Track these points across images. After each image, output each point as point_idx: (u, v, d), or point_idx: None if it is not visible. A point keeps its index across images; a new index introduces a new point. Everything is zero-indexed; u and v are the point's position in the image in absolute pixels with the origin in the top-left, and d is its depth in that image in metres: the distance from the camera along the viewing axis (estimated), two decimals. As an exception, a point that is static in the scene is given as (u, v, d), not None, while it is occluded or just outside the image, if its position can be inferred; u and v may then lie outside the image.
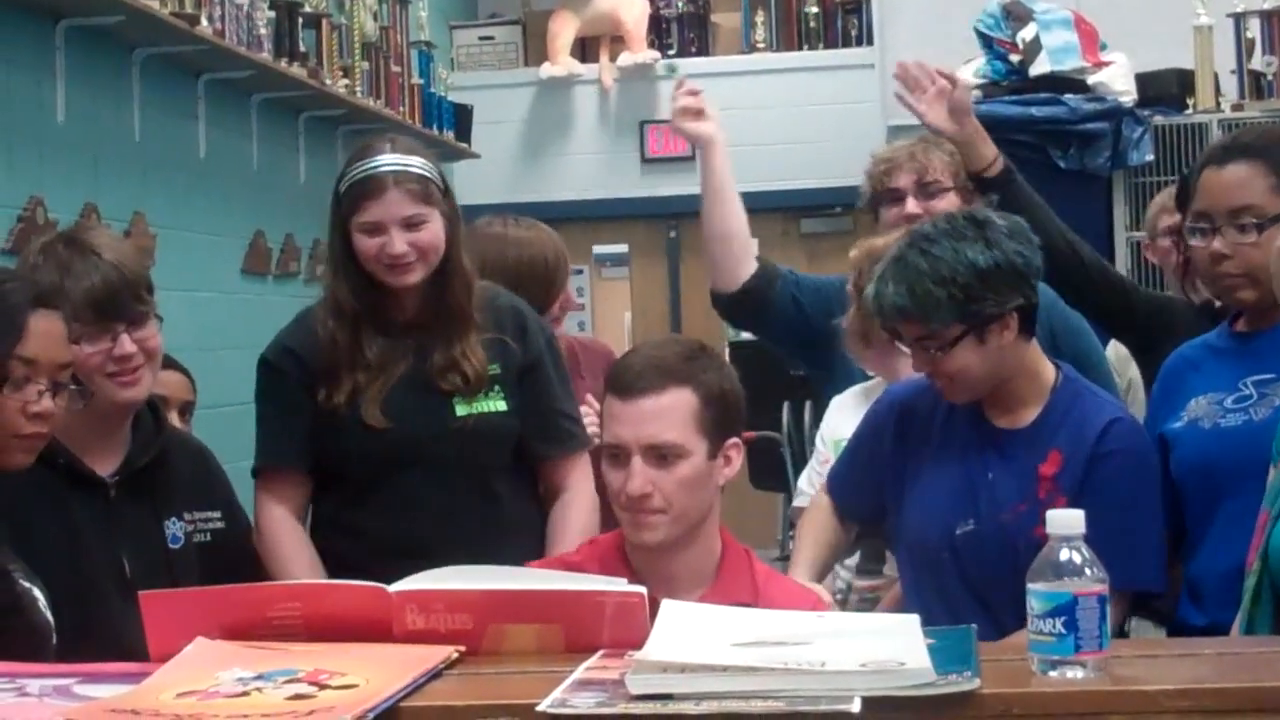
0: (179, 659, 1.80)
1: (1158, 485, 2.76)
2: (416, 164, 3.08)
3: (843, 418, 3.44)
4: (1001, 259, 2.73)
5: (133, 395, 2.74)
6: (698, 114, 3.71)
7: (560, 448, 3.20)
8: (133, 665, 1.89)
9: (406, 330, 3.11)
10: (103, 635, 2.46)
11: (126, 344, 2.70)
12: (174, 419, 3.77)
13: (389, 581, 2.02)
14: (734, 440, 2.57)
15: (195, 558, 2.82)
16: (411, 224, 3.03)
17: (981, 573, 2.74)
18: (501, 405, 3.12)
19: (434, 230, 3.06)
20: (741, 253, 3.76)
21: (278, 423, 3.13)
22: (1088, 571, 1.79)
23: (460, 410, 3.09)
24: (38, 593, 2.32)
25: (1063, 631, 1.76)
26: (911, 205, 3.69)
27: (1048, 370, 2.85)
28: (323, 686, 1.68)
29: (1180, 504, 2.77)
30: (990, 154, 3.59)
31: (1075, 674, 1.76)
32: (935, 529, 2.82)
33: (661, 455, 2.47)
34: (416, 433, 3.05)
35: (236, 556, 2.92)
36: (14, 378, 2.32)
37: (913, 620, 1.92)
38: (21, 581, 2.32)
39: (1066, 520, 1.82)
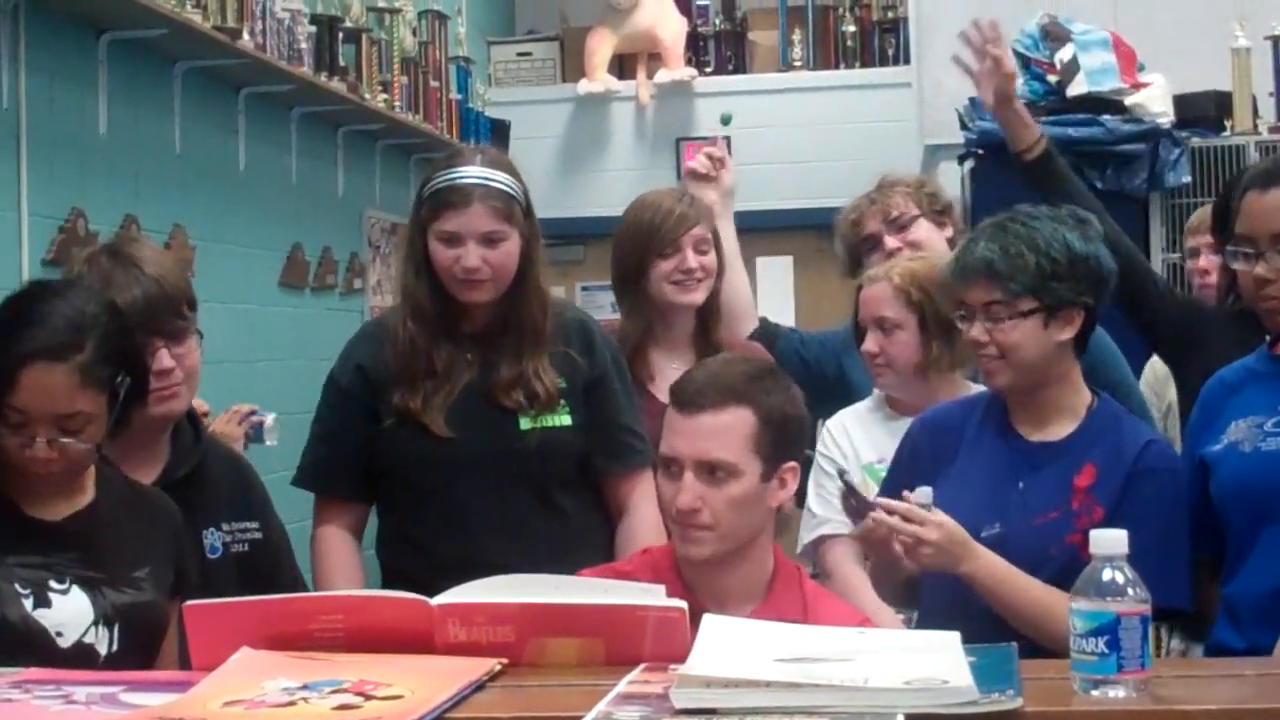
0: (225, 668, 1.81)
1: (1188, 508, 2.76)
2: (502, 180, 3.09)
3: (865, 438, 3.44)
4: (1092, 254, 2.78)
5: (168, 410, 2.74)
6: (707, 178, 3.74)
7: (624, 464, 3.20)
8: (179, 674, 1.90)
9: (475, 341, 3.12)
10: None
11: (165, 359, 2.69)
12: None
13: None
14: (791, 464, 2.56)
15: (233, 568, 2.83)
16: (490, 240, 3.04)
17: None
18: (567, 420, 3.12)
19: (510, 250, 3.06)
20: (743, 314, 3.85)
21: (334, 449, 3.14)
22: (1130, 592, 1.79)
23: (525, 424, 3.09)
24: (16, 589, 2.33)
25: (1105, 651, 1.76)
26: (890, 242, 3.77)
27: (1085, 391, 2.87)
28: (368, 697, 1.69)
29: (1220, 527, 2.77)
30: (1030, 137, 3.66)
31: (1117, 693, 1.76)
32: None
33: (713, 472, 2.48)
34: (480, 445, 3.05)
35: (273, 567, 2.94)
36: (10, 423, 2.34)
37: (954, 638, 1.92)
38: None
39: (1110, 540, 1.82)
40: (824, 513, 3.44)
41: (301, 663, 1.83)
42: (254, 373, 4.75)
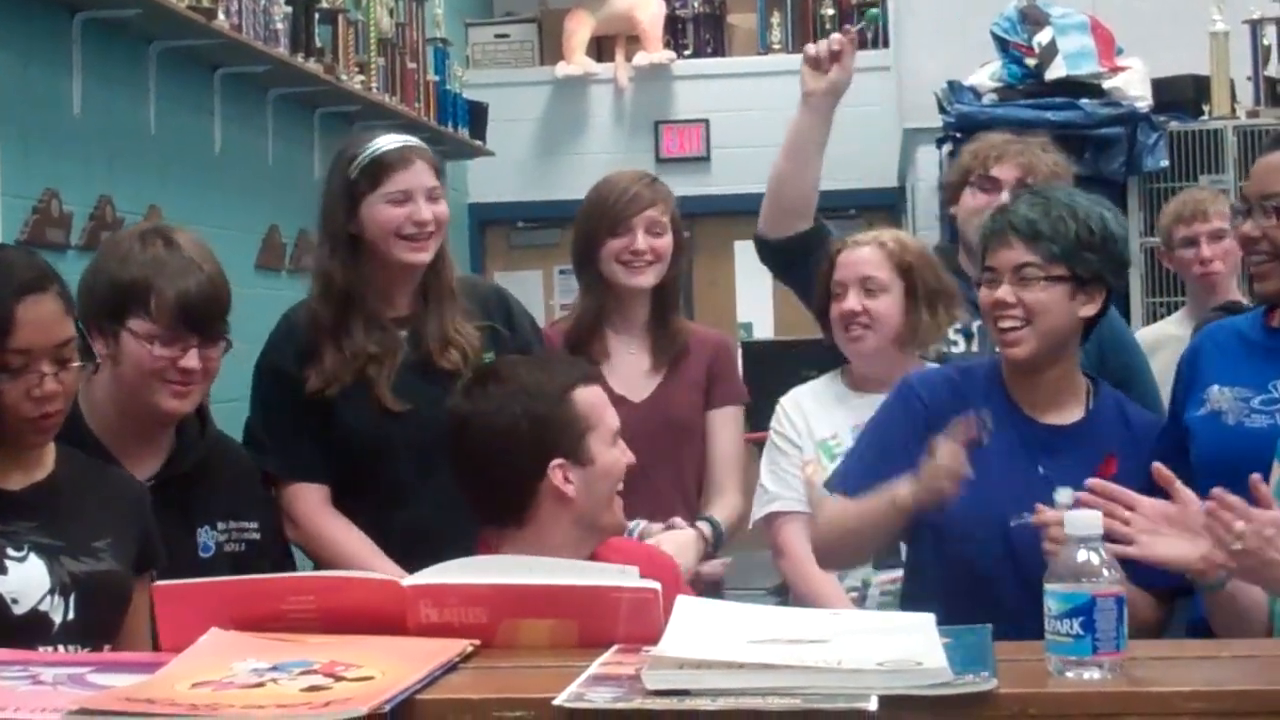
0: (194, 649, 1.80)
1: None
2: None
3: (822, 415, 3.42)
4: (1121, 237, 2.82)
5: (179, 407, 2.73)
6: (819, 65, 3.60)
7: None
8: (147, 655, 1.89)
9: (397, 323, 3.14)
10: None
11: (193, 358, 2.68)
12: None
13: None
14: None
15: (227, 568, 2.79)
16: (432, 196, 3.11)
17: (1036, 566, 2.69)
18: None
19: (445, 207, 3.15)
20: (804, 208, 3.69)
21: (299, 434, 3.12)
22: (1106, 573, 1.79)
23: None
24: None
25: (1080, 633, 1.75)
26: (1006, 198, 3.63)
27: (1082, 376, 2.89)
28: (338, 678, 1.68)
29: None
30: None
31: (1092, 675, 1.75)
32: (984, 521, 2.80)
33: None
34: (429, 416, 3.01)
35: (271, 568, 2.90)
36: (11, 368, 2.32)
37: (929, 619, 1.92)
38: None
39: (1085, 521, 1.82)
40: (776, 489, 3.45)
41: (271, 644, 1.81)
42: (231, 356, 4.72)
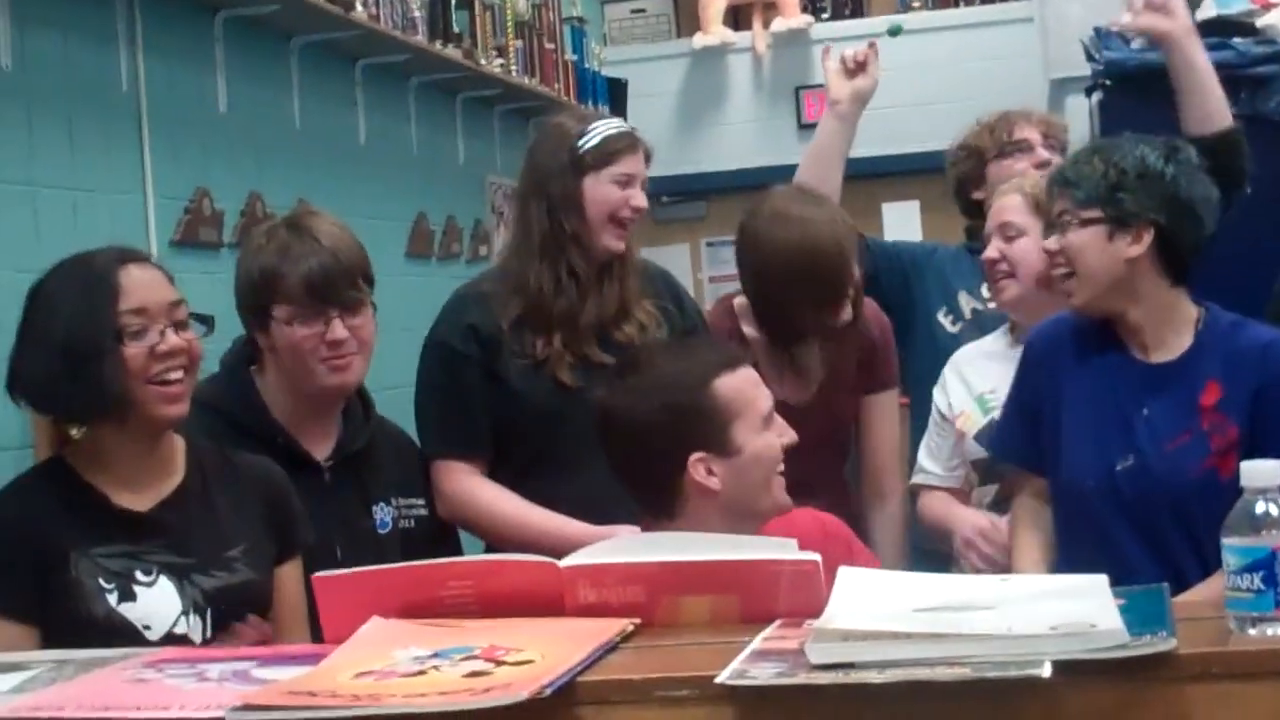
0: (355, 639, 1.79)
1: None
2: None
3: (980, 369, 3.37)
4: (1169, 173, 2.76)
5: (341, 381, 2.79)
6: (845, 73, 3.67)
7: None
8: (311, 647, 1.89)
9: (583, 298, 3.17)
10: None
11: (338, 329, 2.75)
12: None
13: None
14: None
15: (400, 543, 2.84)
16: (644, 186, 3.21)
17: (1147, 510, 2.69)
18: None
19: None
20: None
21: (466, 411, 3.14)
22: (1286, 524, 1.71)
23: None
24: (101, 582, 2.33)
25: (1261, 588, 1.68)
26: (1041, 153, 3.69)
27: (1189, 308, 2.82)
28: (499, 663, 1.66)
29: None
30: None
31: (1276, 631, 1.68)
32: (1093, 468, 2.78)
33: None
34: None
35: (438, 543, 2.94)
36: (130, 330, 2.36)
37: (1101, 581, 1.85)
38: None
39: (1263, 471, 1.74)
40: (924, 461, 3.45)
41: (432, 631, 1.80)
42: (387, 344, 4.75)
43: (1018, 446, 2.98)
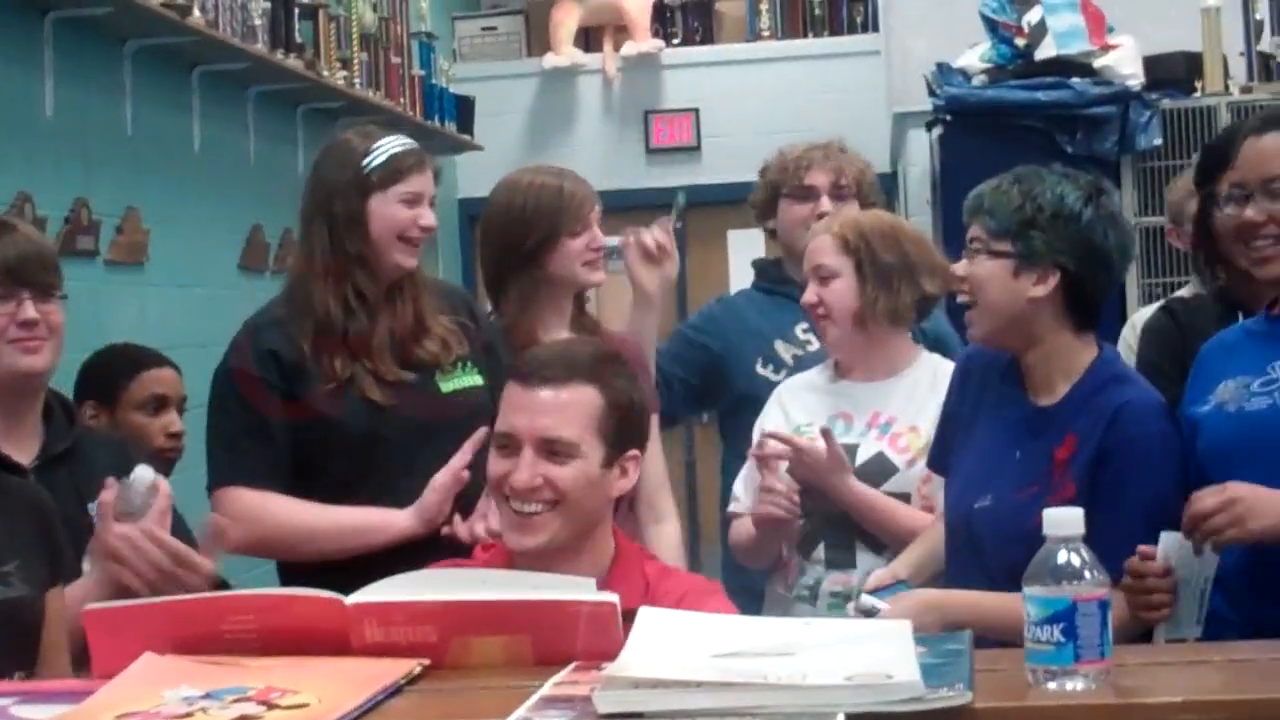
0: (123, 676, 1.70)
1: (1164, 474, 2.65)
2: None
3: (800, 402, 3.36)
4: (1086, 217, 2.69)
5: (31, 364, 2.73)
6: (651, 260, 3.51)
7: None
8: (76, 683, 1.80)
9: (374, 319, 3.10)
10: None
11: (30, 310, 2.70)
12: (172, 416, 3.71)
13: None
14: (633, 453, 2.45)
15: None
16: (433, 204, 3.15)
17: (993, 551, 2.67)
18: (479, 380, 3.13)
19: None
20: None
21: (261, 441, 3.04)
22: (1088, 575, 1.68)
23: (445, 387, 3.10)
24: None
25: (1061, 640, 1.65)
26: (825, 203, 3.70)
27: (1087, 354, 2.76)
28: (271, 706, 1.58)
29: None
30: None
31: (1075, 685, 1.65)
32: (960, 504, 2.78)
33: (553, 451, 2.37)
34: (412, 410, 3.02)
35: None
36: None
37: (905, 626, 1.82)
38: None
39: (1064, 519, 1.71)
40: (738, 490, 3.41)
41: (208, 669, 1.72)
42: (213, 358, 4.66)
43: (938, 456, 2.99)
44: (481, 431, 2.82)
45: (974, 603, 2.63)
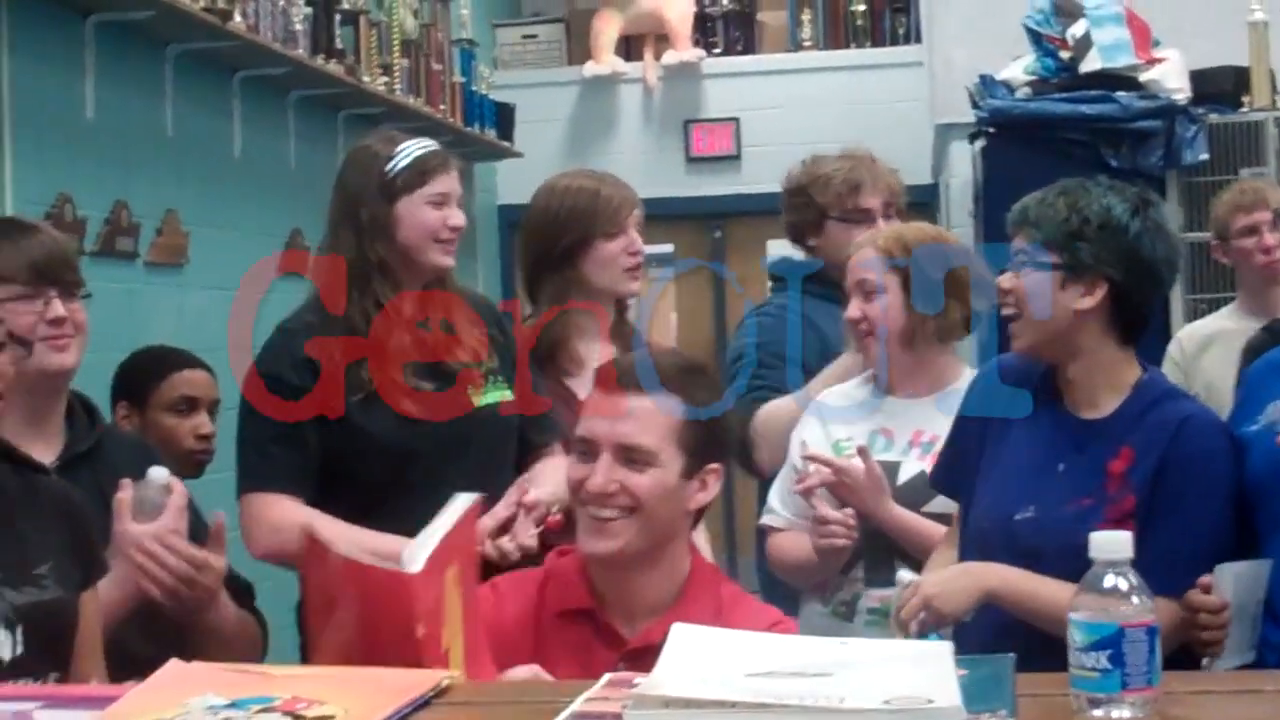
0: (149, 682, 1.68)
1: (1222, 490, 2.63)
2: None
3: (843, 418, 3.30)
4: (1133, 228, 2.67)
5: (60, 362, 2.73)
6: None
7: (555, 435, 3.19)
8: (100, 688, 1.79)
9: (409, 324, 3.10)
10: None
11: (58, 307, 2.71)
12: (203, 418, 3.70)
13: None
14: (714, 466, 2.45)
15: None
16: (461, 204, 3.16)
17: (1039, 563, 2.62)
18: (509, 395, 3.14)
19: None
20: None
21: (292, 448, 3.02)
22: (1136, 600, 1.63)
23: (477, 400, 3.10)
24: None
25: (1108, 667, 1.60)
26: (880, 225, 3.62)
27: (1131, 370, 2.74)
28: (297, 716, 1.56)
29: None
30: None
31: (1122, 714, 1.60)
32: (995, 514, 2.73)
33: (631, 459, 2.38)
34: (445, 421, 3.03)
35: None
36: None
37: (946, 648, 1.78)
38: None
39: (1113, 543, 1.66)
40: (772, 502, 3.37)
41: (233, 677, 1.69)
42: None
43: (944, 476, 2.95)
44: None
45: (1022, 578, 2.63)
